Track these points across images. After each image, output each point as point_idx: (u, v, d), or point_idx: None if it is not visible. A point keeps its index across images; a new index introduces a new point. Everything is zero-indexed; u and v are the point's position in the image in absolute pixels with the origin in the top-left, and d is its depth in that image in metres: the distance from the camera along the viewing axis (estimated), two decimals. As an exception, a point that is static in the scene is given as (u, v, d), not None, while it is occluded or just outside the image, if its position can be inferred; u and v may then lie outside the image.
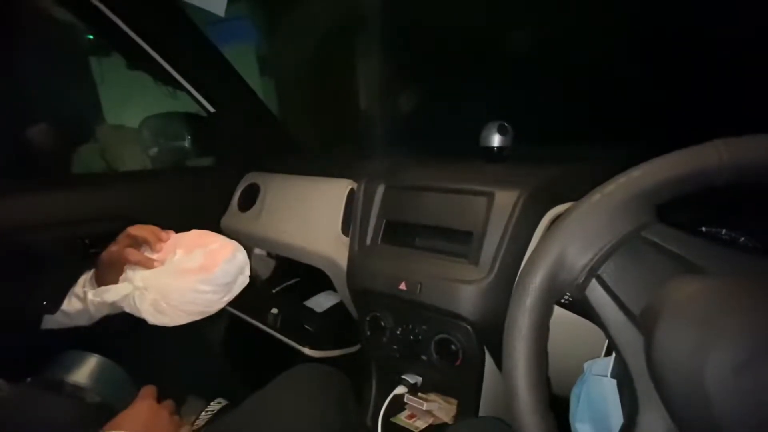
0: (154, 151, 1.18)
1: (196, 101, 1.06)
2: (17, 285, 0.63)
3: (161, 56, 0.95)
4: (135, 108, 1.29)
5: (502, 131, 0.76)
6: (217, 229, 1.09)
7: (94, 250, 0.92)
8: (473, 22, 1.06)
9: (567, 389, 0.46)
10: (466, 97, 1.15)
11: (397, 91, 1.35)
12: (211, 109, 1.07)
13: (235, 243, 0.61)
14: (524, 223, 0.57)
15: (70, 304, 0.63)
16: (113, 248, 0.61)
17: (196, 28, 0.99)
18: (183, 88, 1.02)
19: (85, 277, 0.65)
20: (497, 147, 0.76)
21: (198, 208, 1.07)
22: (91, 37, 1.37)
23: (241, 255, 0.59)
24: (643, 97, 0.90)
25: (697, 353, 0.29)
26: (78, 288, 0.64)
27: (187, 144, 1.15)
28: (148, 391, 0.54)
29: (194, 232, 0.62)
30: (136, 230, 0.62)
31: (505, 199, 0.58)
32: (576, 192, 0.57)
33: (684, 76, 0.85)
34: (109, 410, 0.50)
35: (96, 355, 0.54)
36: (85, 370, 0.53)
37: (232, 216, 1.07)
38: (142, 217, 0.99)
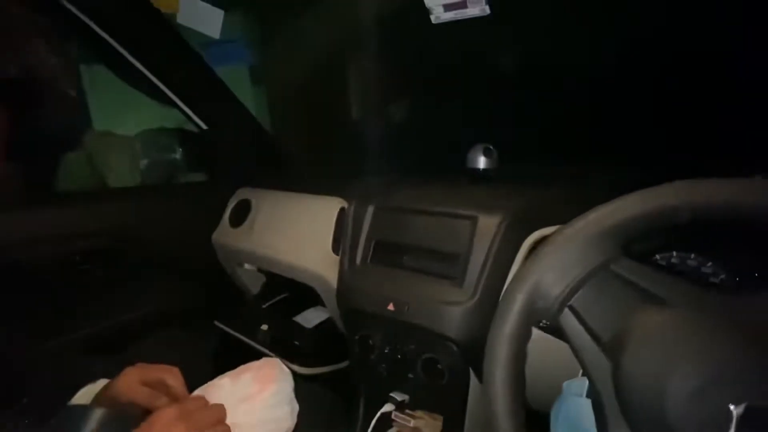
0: (145, 163, 1.19)
1: (189, 118, 1.07)
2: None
3: (155, 75, 0.96)
4: (126, 117, 1.29)
5: (487, 154, 0.79)
6: (207, 244, 1.10)
7: (84, 266, 0.92)
8: (463, 44, 1.10)
9: (547, 405, 0.49)
10: (455, 115, 1.18)
11: (388, 109, 1.38)
12: (204, 126, 1.09)
13: (271, 360, 0.56)
14: (506, 247, 0.60)
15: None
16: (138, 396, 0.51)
17: (189, 48, 1.01)
18: (176, 106, 1.04)
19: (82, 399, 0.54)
20: (482, 168, 0.79)
21: (189, 224, 1.08)
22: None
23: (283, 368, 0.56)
24: (626, 118, 0.94)
25: (658, 380, 0.31)
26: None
27: (179, 158, 1.16)
28: (186, 404, 0.47)
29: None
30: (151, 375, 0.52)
31: (488, 223, 0.61)
32: (556, 216, 0.60)
33: (667, 98, 0.88)
34: None
35: (99, 408, 0.48)
36: (89, 425, 0.46)
37: (224, 231, 1.08)
38: (132, 233, 1.01)
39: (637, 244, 0.40)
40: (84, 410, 0.49)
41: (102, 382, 0.55)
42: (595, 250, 0.37)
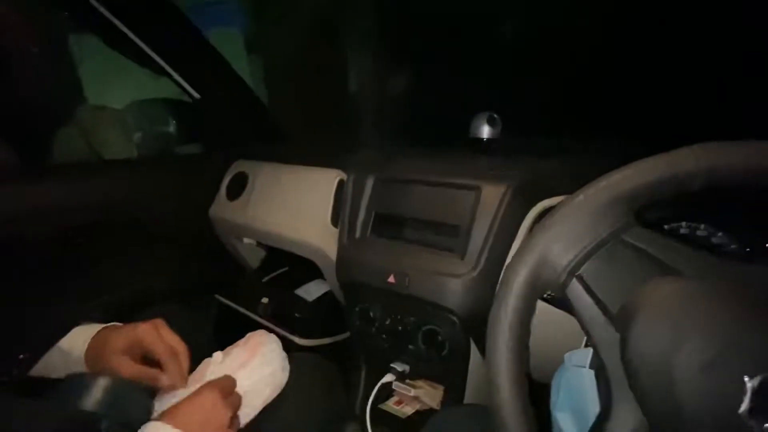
0: (138, 136, 1.16)
1: (181, 87, 1.03)
2: None
3: (143, 41, 0.92)
4: (118, 88, 1.25)
5: (491, 122, 0.76)
6: (206, 217, 1.08)
7: (78, 241, 0.91)
8: (465, 10, 1.05)
9: (548, 377, 0.48)
10: (457, 86, 1.14)
11: (387, 79, 1.33)
12: (196, 96, 1.05)
13: (256, 332, 0.58)
14: (510, 218, 0.58)
15: (51, 360, 0.53)
16: (128, 369, 0.50)
17: (178, 11, 0.96)
18: (166, 74, 0.99)
19: (78, 339, 0.53)
20: (486, 138, 0.76)
21: (185, 197, 1.06)
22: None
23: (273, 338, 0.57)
24: (633, 91, 0.90)
25: (667, 352, 0.30)
26: (69, 347, 0.53)
27: (172, 130, 1.12)
28: (217, 384, 0.47)
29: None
30: (154, 344, 0.51)
31: (492, 194, 0.59)
32: (561, 187, 0.58)
33: (675, 70, 0.85)
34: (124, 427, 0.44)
35: (104, 376, 0.47)
36: (92, 395, 0.45)
37: (221, 205, 1.07)
38: (128, 207, 0.99)
39: (647, 213, 0.38)
40: (88, 379, 0.48)
41: (96, 327, 0.54)
42: (606, 218, 0.35)
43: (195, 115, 1.09)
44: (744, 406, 0.28)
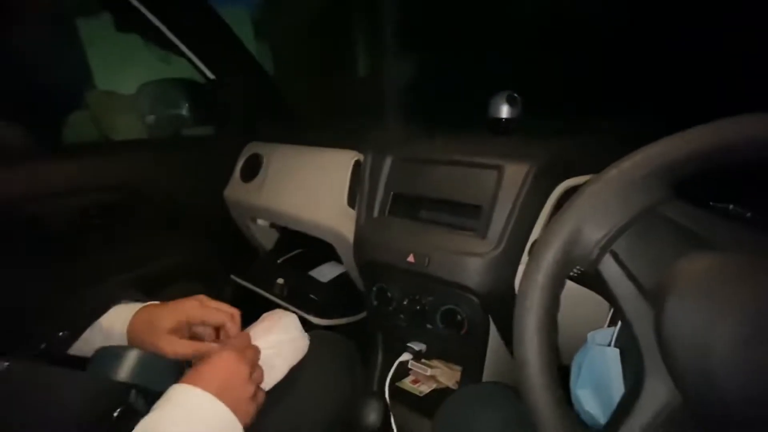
0: (151, 119, 1.15)
1: (196, 68, 1.02)
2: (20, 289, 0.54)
3: (160, 20, 0.90)
4: (127, 74, 1.24)
5: (511, 102, 0.75)
6: (221, 199, 1.09)
7: (97, 220, 0.92)
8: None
9: (568, 358, 0.48)
10: (474, 66, 1.12)
11: (404, 59, 1.31)
12: (211, 76, 1.04)
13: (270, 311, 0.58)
14: (534, 197, 0.57)
15: (91, 338, 0.53)
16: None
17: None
18: (181, 54, 0.98)
19: (119, 318, 0.53)
20: (505, 118, 0.75)
21: (200, 178, 1.06)
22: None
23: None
24: (657, 70, 0.88)
25: (706, 327, 0.30)
26: (109, 325, 0.53)
27: (185, 112, 1.12)
28: (232, 344, 0.47)
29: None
30: (211, 315, 0.52)
31: (515, 173, 0.58)
32: (587, 165, 0.57)
33: (701, 49, 0.82)
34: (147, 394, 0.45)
35: (135, 348, 0.48)
36: (124, 366, 0.46)
37: (235, 186, 1.07)
38: (144, 187, 1.00)
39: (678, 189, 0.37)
40: (120, 351, 0.48)
41: (136, 305, 0.54)
42: (642, 192, 0.34)
43: (209, 96, 1.08)
44: (786, 381, 0.27)
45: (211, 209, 1.09)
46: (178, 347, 0.50)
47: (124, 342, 0.53)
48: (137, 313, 0.54)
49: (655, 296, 0.33)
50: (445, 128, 0.85)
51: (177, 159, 1.04)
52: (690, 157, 0.33)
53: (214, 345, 0.52)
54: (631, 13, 0.89)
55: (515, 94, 0.75)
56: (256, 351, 0.49)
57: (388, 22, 1.30)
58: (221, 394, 0.42)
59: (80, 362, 0.51)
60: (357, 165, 0.81)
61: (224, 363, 0.44)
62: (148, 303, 0.55)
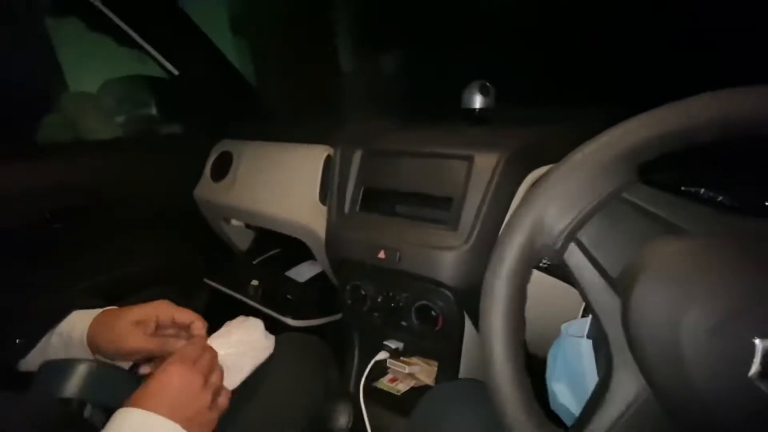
0: (119, 118, 1.11)
1: (158, 63, 0.98)
2: None
3: (117, 15, 0.86)
4: (100, 74, 1.19)
5: (483, 92, 0.73)
6: (191, 199, 1.05)
7: (62, 224, 0.88)
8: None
9: (544, 350, 0.47)
10: (447, 57, 1.10)
11: (376, 53, 1.28)
12: (175, 72, 1.00)
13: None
14: (504, 187, 0.56)
15: (50, 344, 0.51)
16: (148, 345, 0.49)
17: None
18: (142, 49, 0.94)
19: (79, 323, 0.51)
20: (479, 108, 0.73)
21: (169, 178, 1.02)
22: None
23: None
24: (627, 58, 0.87)
25: (672, 314, 0.28)
26: (69, 330, 0.51)
27: (153, 110, 1.08)
28: (180, 354, 0.43)
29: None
30: (179, 315, 0.51)
31: (485, 163, 0.56)
32: (557, 153, 0.55)
33: (669, 35, 0.82)
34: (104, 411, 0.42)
35: (83, 360, 0.45)
36: (71, 381, 0.43)
37: (205, 186, 1.03)
38: (111, 189, 0.95)
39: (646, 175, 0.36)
40: (68, 364, 0.45)
41: (96, 310, 0.52)
42: (607, 176, 0.32)
43: (175, 93, 1.04)
44: (754, 369, 0.26)
45: (183, 210, 1.05)
46: (141, 341, 0.48)
47: (84, 348, 0.51)
48: (98, 317, 0.51)
49: (621, 285, 0.32)
50: (419, 120, 0.83)
51: (144, 159, 1.00)
52: (654, 137, 0.32)
53: (180, 341, 0.50)
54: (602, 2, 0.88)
55: (487, 84, 0.74)
56: (212, 355, 0.47)
57: (362, 17, 1.28)
58: (173, 412, 0.39)
59: (29, 378, 0.48)
60: (329, 160, 0.79)
61: (173, 377, 0.41)
62: (108, 308, 0.53)
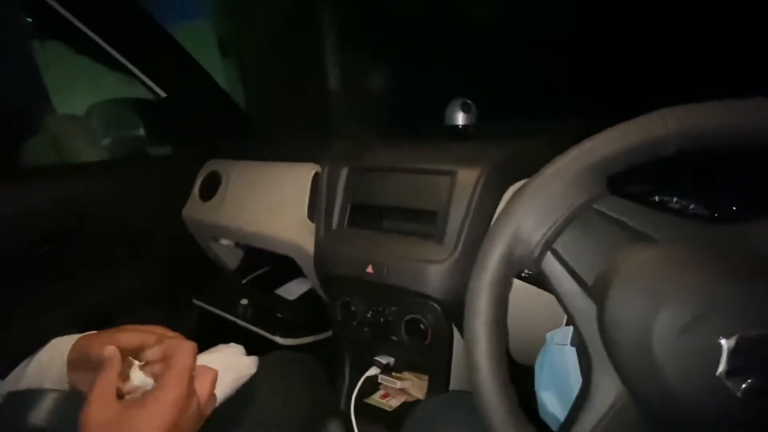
0: (106, 140, 1.11)
1: (146, 86, 0.99)
2: None
3: (100, 37, 0.88)
4: (87, 97, 1.20)
5: (465, 109, 0.76)
6: (179, 220, 1.05)
7: (50, 247, 0.87)
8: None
9: (533, 359, 0.48)
10: (431, 74, 1.13)
11: (363, 71, 1.32)
12: (163, 94, 1.01)
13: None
14: (486, 200, 0.57)
15: (28, 372, 0.48)
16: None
17: (138, 6, 0.92)
18: (129, 72, 0.96)
19: (57, 351, 0.49)
20: (461, 125, 0.76)
21: (157, 200, 1.02)
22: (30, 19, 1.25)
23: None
24: (605, 70, 0.91)
25: (644, 317, 0.30)
26: (48, 358, 0.49)
27: (139, 132, 1.08)
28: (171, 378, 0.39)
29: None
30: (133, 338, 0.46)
31: (467, 177, 0.58)
32: (536, 167, 0.57)
33: (645, 48, 0.86)
34: None
35: (48, 390, 0.44)
36: (36, 412, 0.41)
37: (194, 206, 1.03)
38: (98, 211, 0.95)
39: (618, 186, 0.38)
40: (34, 394, 0.43)
41: (75, 336, 0.49)
42: (579, 188, 0.34)
43: (163, 115, 1.05)
44: (721, 368, 0.27)
45: (171, 231, 1.04)
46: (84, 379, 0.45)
47: (62, 378, 0.49)
48: (75, 344, 0.49)
49: (596, 292, 0.33)
50: (404, 136, 0.85)
51: (132, 181, 1.00)
52: (622, 151, 0.34)
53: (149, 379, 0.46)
54: (579, 16, 0.92)
55: (468, 102, 0.76)
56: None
57: (348, 36, 1.32)
58: None
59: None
60: (316, 177, 0.80)
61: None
62: (86, 333, 0.52)
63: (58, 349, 0.50)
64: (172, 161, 1.10)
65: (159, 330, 0.50)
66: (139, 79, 0.98)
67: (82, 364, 0.48)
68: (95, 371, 0.46)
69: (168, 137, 1.08)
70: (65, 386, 0.49)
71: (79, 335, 0.51)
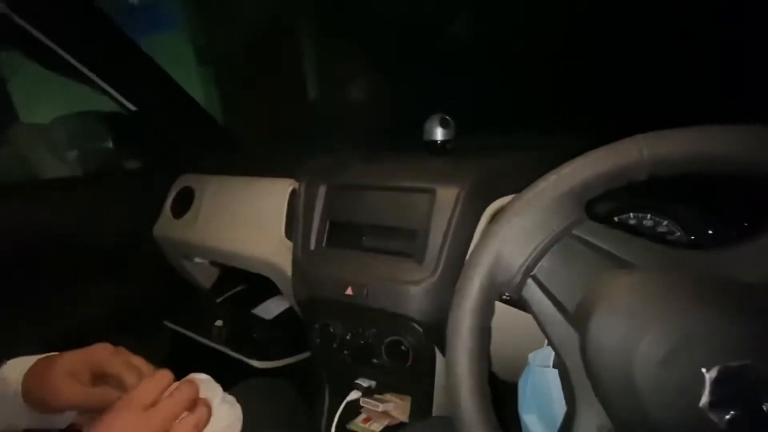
0: (72, 154, 1.06)
1: (114, 99, 0.95)
2: None
3: (64, 50, 0.84)
4: (53, 109, 1.14)
5: (444, 124, 0.75)
6: (149, 238, 1.00)
7: (12, 269, 0.81)
8: (413, 13, 1.05)
9: (517, 376, 0.47)
10: (409, 88, 1.14)
11: (341, 85, 1.31)
12: (132, 108, 0.97)
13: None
14: (467, 218, 0.57)
15: None
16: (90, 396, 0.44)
17: (104, 17, 0.89)
18: (95, 85, 0.92)
19: (13, 371, 0.46)
20: (440, 140, 0.75)
21: (127, 217, 0.98)
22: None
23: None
24: (583, 86, 0.93)
25: (626, 348, 0.29)
26: (2, 378, 0.46)
27: (108, 146, 1.04)
28: (133, 396, 0.37)
29: None
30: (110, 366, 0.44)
31: (447, 195, 0.57)
32: (514, 185, 0.57)
33: (623, 63, 0.88)
34: None
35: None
36: None
37: (165, 223, 0.99)
38: (64, 230, 0.90)
39: (596, 206, 0.38)
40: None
41: (34, 357, 0.47)
42: (557, 213, 0.34)
43: (133, 129, 1.01)
44: (704, 399, 0.27)
45: (141, 250, 1.00)
46: (77, 393, 0.43)
47: (18, 403, 0.45)
48: (32, 366, 0.46)
49: (578, 320, 0.33)
50: (383, 152, 0.84)
51: (100, 197, 0.95)
52: (598, 177, 0.34)
53: (106, 389, 0.44)
54: (561, 30, 0.94)
55: (447, 117, 0.76)
56: (178, 400, 0.40)
57: (326, 49, 1.31)
58: None
59: None
60: (294, 194, 0.78)
61: (113, 427, 0.35)
62: (48, 354, 0.48)
63: (13, 369, 0.47)
64: (143, 176, 1.06)
65: (136, 361, 0.47)
66: (106, 92, 0.94)
67: (37, 388, 0.45)
68: (49, 396, 0.43)
69: (138, 151, 1.04)
70: (18, 407, 0.45)
71: (36, 357, 0.48)
